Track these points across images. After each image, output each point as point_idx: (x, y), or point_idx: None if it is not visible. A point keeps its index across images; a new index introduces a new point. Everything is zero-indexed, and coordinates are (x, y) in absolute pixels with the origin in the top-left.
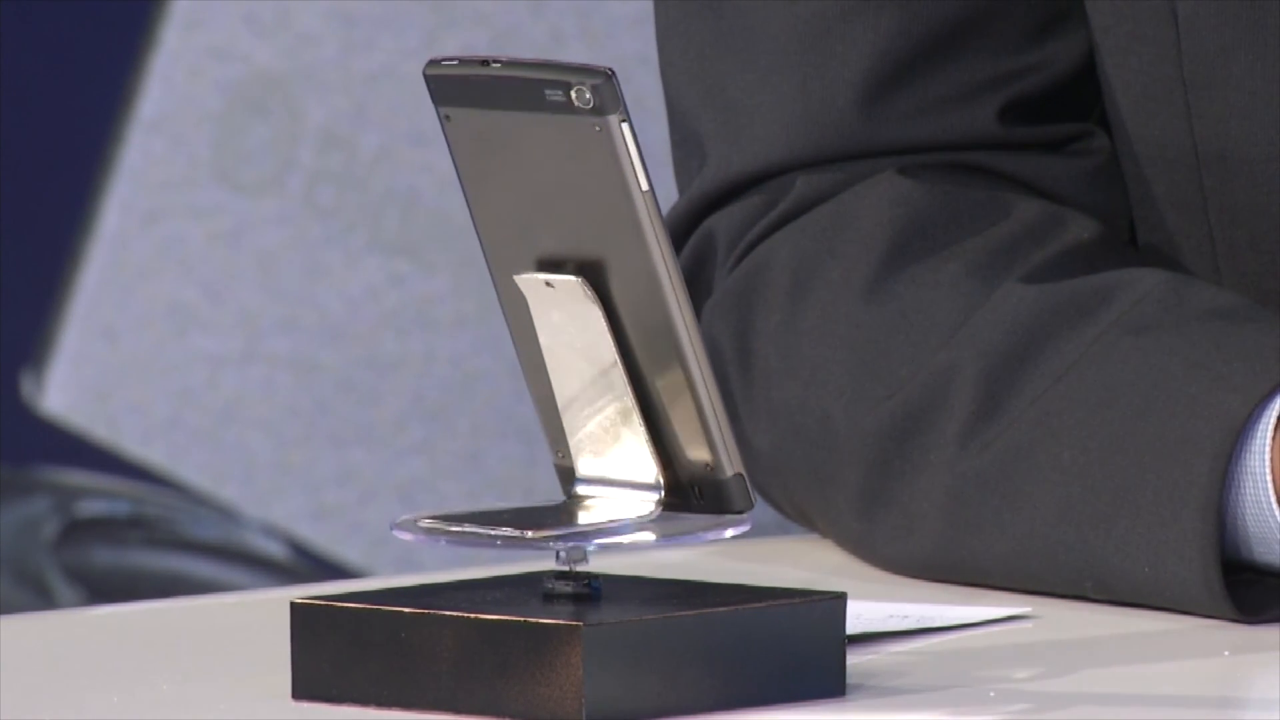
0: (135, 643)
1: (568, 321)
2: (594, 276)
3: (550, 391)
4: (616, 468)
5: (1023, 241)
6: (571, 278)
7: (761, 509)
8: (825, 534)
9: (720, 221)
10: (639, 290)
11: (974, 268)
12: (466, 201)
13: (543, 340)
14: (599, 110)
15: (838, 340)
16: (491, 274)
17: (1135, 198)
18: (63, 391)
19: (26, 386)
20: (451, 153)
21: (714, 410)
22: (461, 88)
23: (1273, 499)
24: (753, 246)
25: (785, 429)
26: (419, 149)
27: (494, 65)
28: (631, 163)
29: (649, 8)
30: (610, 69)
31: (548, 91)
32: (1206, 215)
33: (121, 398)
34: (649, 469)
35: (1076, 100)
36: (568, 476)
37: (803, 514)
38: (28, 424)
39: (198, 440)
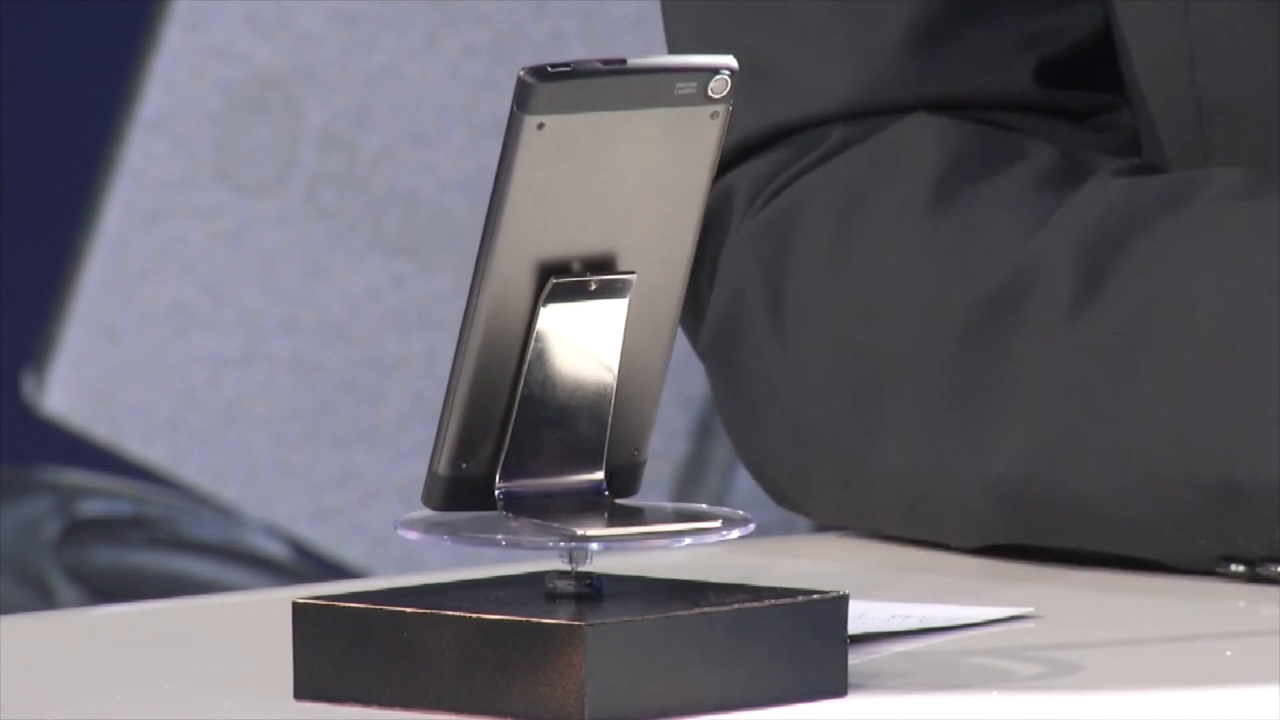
0: (136, 643)
1: (579, 320)
2: (628, 271)
3: (492, 396)
4: (554, 468)
5: (1078, 165)
6: (627, 276)
7: (762, 510)
8: (855, 484)
9: (740, 176)
10: (655, 280)
11: (1040, 183)
12: (499, 205)
13: (540, 341)
14: (727, 99)
15: (903, 257)
16: (487, 271)
17: (1147, 159)
18: (64, 391)
19: (28, 386)
20: (513, 160)
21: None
22: (571, 93)
23: None
24: (780, 191)
25: (831, 359)
26: (421, 149)
27: (617, 64)
28: (719, 152)
29: (651, 8)
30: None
31: (679, 85)
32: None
33: (123, 398)
34: (595, 465)
35: (1103, 70)
36: (477, 485)
37: (822, 459)
38: (29, 424)
39: (199, 440)
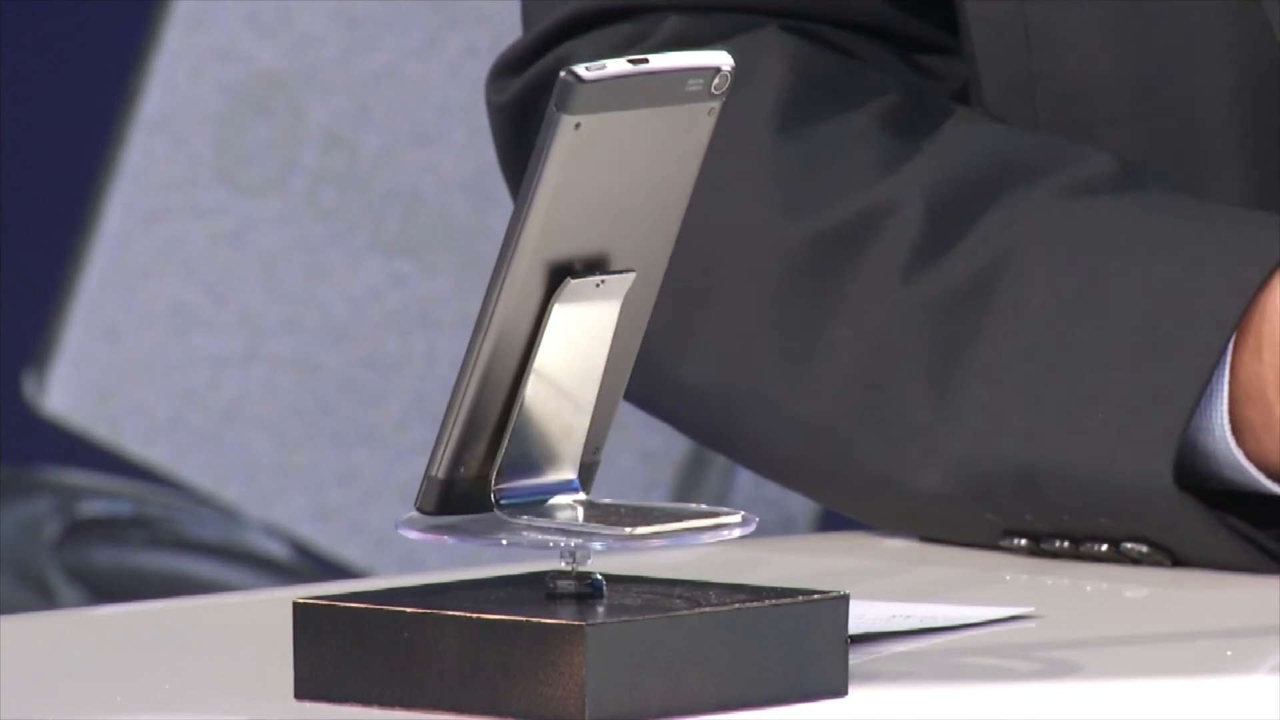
0: (137, 643)
1: (581, 320)
2: (627, 269)
3: (496, 398)
4: (538, 468)
5: (926, 109)
6: (628, 274)
7: (762, 509)
8: (663, 383)
9: (579, 47)
10: (643, 278)
11: (889, 124)
12: (529, 205)
13: (546, 342)
14: (723, 96)
15: (748, 163)
16: (509, 271)
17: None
18: (65, 391)
19: (28, 386)
20: (549, 159)
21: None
22: (605, 93)
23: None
24: None
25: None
26: (421, 149)
27: (644, 63)
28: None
29: None
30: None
31: (690, 82)
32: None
33: (123, 398)
34: (569, 464)
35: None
36: (471, 488)
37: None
38: (30, 424)
39: (200, 440)
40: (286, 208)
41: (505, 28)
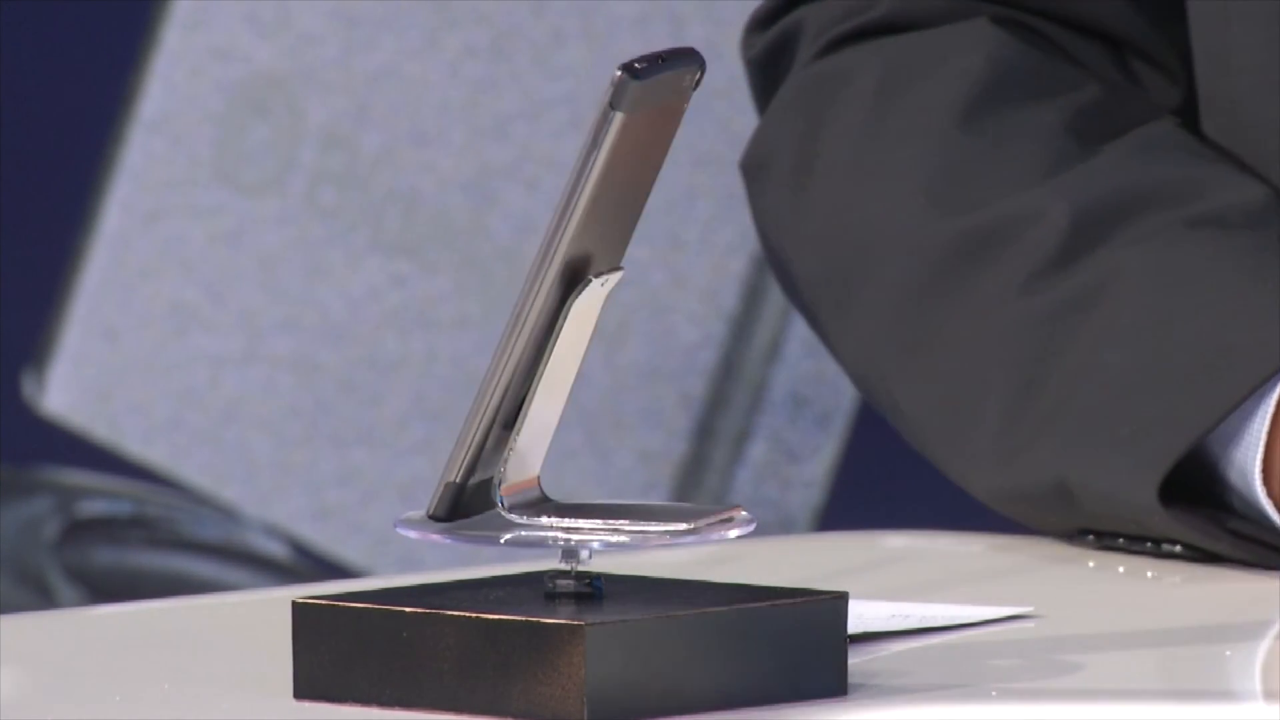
0: (136, 642)
1: (583, 320)
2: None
3: (515, 401)
4: (534, 468)
5: (1119, 110)
6: (618, 272)
7: (761, 509)
8: (835, 344)
9: (811, 14)
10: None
11: (1072, 124)
12: (576, 204)
13: (559, 345)
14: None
15: (923, 150)
16: (547, 274)
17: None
18: (64, 391)
19: (27, 386)
20: (601, 158)
21: None
22: (651, 90)
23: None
24: (835, 46)
25: (835, 229)
26: (421, 149)
27: (673, 58)
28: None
29: (651, 7)
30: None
31: (685, 79)
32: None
33: (123, 398)
34: (534, 465)
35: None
36: (477, 492)
37: (820, 323)
38: (29, 424)
39: (199, 440)
40: (285, 207)
41: (505, 28)
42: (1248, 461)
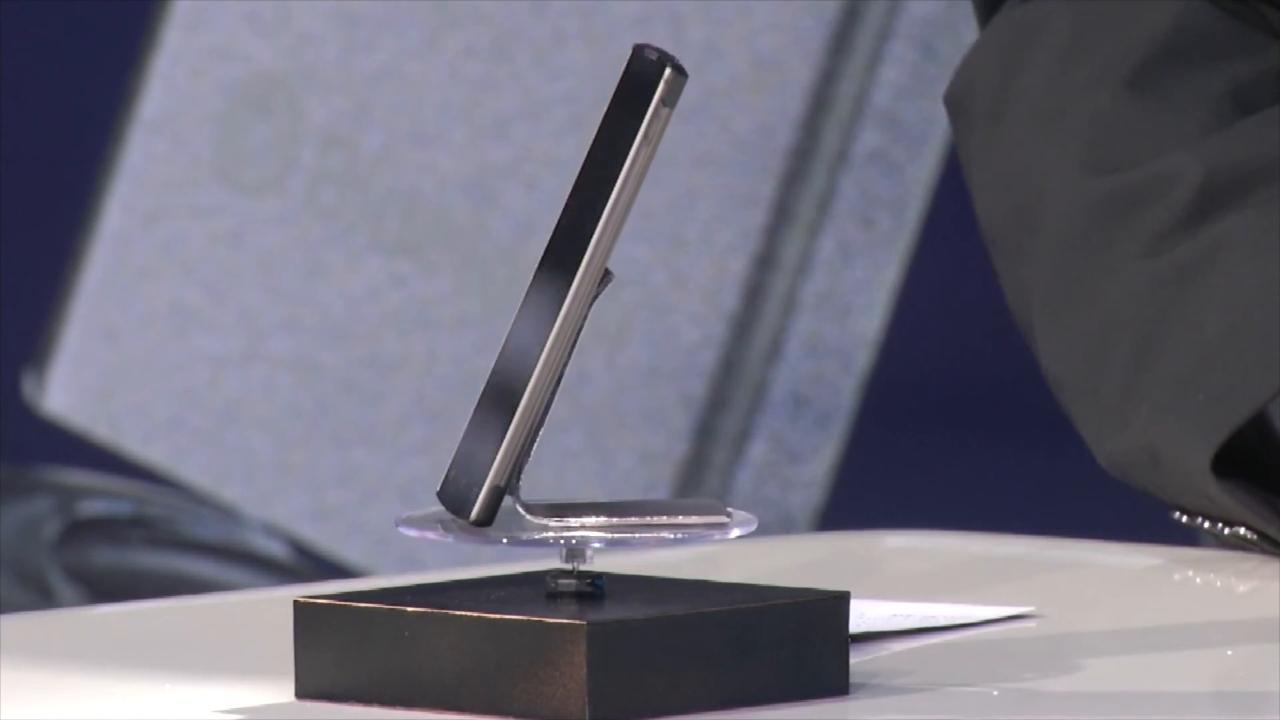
0: (137, 642)
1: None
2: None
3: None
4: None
5: None
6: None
7: (761, 509)
8: (1005, 286)
9: None
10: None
11: (1241, 89)
12: (625, 201)
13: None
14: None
15: (1093, 107)
16: (589, 273)
17: None
18: (64, 391)
19: (28, 386)
20: (649, 155)
21: None
22: (678, 86)
23: None
24: None
25: (1014, 176)
26: (421, 149)
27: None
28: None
29: (650, 7)
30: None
31: (680, 83)
32: None
33: (123, 398)
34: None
35: None
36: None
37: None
38: (29, 424)
39: (199, 440)
40: (286, 207)
41: (505, 28)
42: None
